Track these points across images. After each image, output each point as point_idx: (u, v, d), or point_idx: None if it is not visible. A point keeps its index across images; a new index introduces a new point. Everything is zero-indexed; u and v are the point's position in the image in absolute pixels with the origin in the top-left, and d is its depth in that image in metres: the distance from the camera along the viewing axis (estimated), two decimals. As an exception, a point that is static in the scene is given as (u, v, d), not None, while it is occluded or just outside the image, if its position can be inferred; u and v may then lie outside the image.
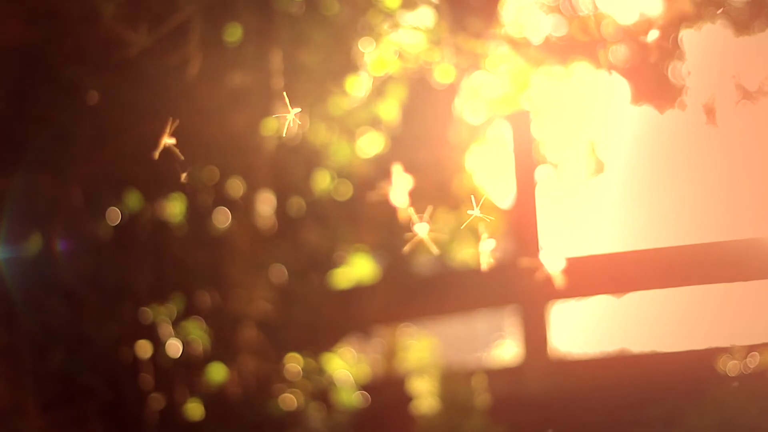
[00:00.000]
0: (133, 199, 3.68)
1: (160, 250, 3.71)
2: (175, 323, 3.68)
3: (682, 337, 4.36)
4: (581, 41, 4.34)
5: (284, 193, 4.03)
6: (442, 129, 4.49)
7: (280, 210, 4.03)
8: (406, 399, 4.00)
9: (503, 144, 4.44)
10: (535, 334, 4.07)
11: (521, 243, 4.18)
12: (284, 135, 3.82)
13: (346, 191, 4.17)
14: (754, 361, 3.64)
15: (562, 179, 4.64)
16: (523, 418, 3.90)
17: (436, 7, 3.82)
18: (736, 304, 4.18)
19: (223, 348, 3.76)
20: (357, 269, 4.20)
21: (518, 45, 4.21)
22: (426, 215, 1.76)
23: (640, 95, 4.50)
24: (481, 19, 4.04)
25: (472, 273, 4.42)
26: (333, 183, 4.12)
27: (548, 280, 4.04)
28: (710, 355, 3.69)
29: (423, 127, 4.38)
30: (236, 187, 3.90)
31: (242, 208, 3.92)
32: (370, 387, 4.12)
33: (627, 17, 4.40)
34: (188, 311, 3.71)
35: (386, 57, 3.86)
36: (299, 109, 1.78)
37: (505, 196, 4.55)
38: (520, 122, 4.27)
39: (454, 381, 3.90)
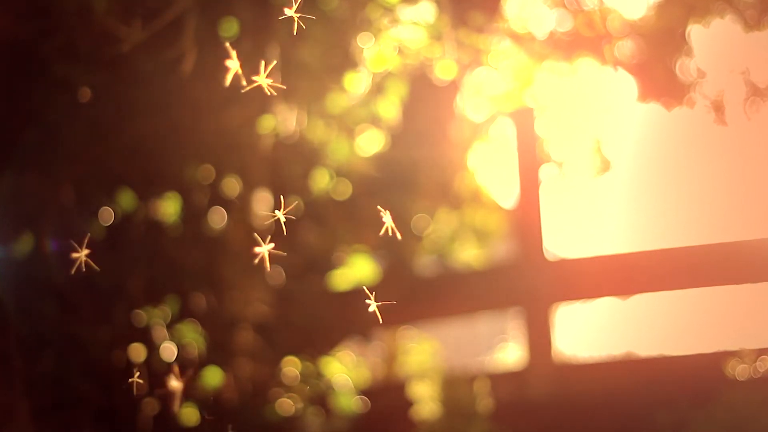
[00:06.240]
0: (127, 199, 3.64)
1: (154, 251, 3.67)
2: (170, 326, 3.64)
3: (689, 340, 4.34)
4: (586, 36, 4.32)
5: (282, 193, 3.99)
6: (444, 127, 4.47)
7: (278, 210, 3.98)
8: (406, 404, 3.96)
9: (506, 142, 4.42)
10: (539, 337, 4.03)
11: (525, 244, 4.13)
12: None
13: (345, 190, 4.13)
14: (763, 364, 3.59)
15: (567, 178, 4.62)
16: (527, 423, 3.86)
17: (437, 2, 3.78)
18: (746, 306, 4.17)
19: (218, 351, 3.71)
20: (356, 270, 4.17)
21: (522, 40, 4.20)
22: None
23: (646, 92, 4.48)
24: (484, 13, 4.02)
25: (475, 274, 4.40)
26: (332, 182, 4.09)
27: (552, 281, 4.04)
28: (719, 358, 3.65)
29: (424, 124, 4.35)
30: (232, 186, 3.86)
31: (238, 208, 3.87)
32: (369, 391, 4.09)
33: (633, 12, 4.38)
34: (183, 314, 3.67)
35: (386, 53, 3.82)
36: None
37: (508, 196, 4.51)
38: (523, 119, 4.24)
39: (456, 385, 3.87)
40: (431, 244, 4.52)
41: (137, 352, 3.57)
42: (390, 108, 4.04)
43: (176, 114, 3.63)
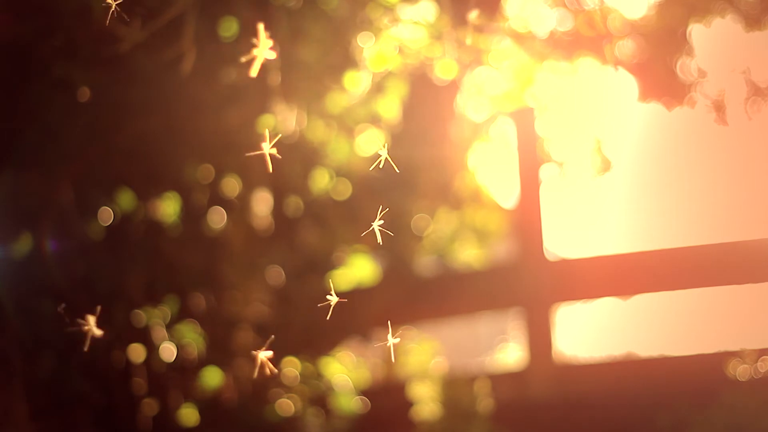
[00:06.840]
0: (126, 199, 3.64)
1: (153, 251, 3.66)
2: (169, 326, 3.64)
3: (690, 340, 4.33)
4: (587, 36, 4.31)
5: (281, 193, 3.98)
6: (444, 126, 4.45)
7: (277, 210, 3.99)
8: (406, 404, 3.94)
9: (507, 142, 4.41)
10: (539, 338, 4.01)
11: (525, 244, 4.12)
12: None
13: (344, 190, 4.11)
14: (764, 365, 3.57)
15: (568, 178, 4.61)
16: (528, 424, 3.85)
17: (437, 1, 3.76)
18: (747, 306, 4.15)
19: (218, 352, 3.70)
20: (356, 270, 4.16)
21: (522, 40, 4.18)
22: None
23: (647, 92, 4.48)
24: (484, 13, 4.00)
25: (475, 274, 4.38)
26: (331, 182, 4.07)
27: (553, 281, 4.02)
28: (720, 359, 3.63)
29: (424, 124, 4.34)
30: (232, 186, 3.85)
31: (238, 208, 3.87)
32: (369, 392, 4.08)
33: (634, 11, 4.37)
34: (182, 314, 3.67)
35: (386, 52, 3.81)
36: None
37: (508, 196, 4.50)
38: (524, 119, 4.22)
39: (456, 386, 3.85)
40: (431, 244, 4.51)
41: (137, 352, 3.56)
42: (390, 108, 4.03)
43: (176, 114, 3.62)
